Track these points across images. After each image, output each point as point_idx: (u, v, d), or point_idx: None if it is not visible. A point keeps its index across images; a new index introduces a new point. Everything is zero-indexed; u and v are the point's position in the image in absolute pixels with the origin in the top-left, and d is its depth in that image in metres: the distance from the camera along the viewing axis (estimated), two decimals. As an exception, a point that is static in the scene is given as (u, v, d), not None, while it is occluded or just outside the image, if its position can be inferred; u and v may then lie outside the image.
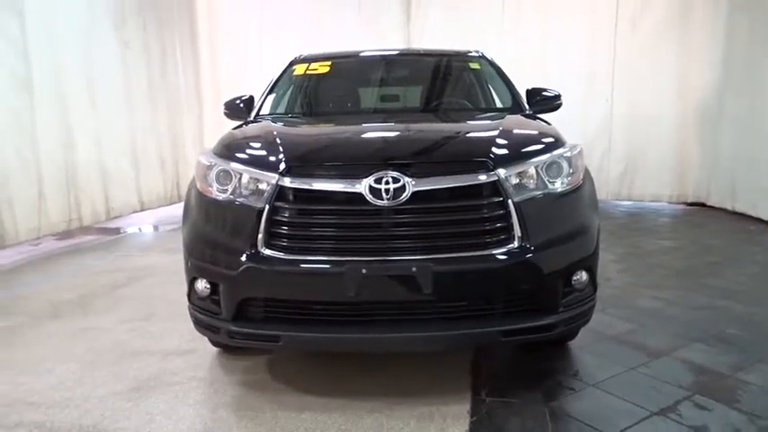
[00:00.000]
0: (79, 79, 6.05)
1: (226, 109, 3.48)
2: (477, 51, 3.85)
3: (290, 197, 2.15)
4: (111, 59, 6.62)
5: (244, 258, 2.13)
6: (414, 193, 2.07)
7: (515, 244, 2.12)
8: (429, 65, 3.82)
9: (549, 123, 2.91)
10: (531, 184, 2.21)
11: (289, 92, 3.56)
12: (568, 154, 2.39)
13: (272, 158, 2.24)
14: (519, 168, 2.20)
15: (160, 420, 2.25)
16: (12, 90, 5.18)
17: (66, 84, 5.83)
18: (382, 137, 2.72)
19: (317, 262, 2.09)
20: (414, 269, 2.04)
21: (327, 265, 2.08)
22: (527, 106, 3.35)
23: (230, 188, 2.24)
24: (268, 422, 2.22)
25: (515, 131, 2.63)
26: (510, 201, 2.11)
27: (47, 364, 2.78)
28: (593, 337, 3.04)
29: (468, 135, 2.73)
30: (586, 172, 2.55)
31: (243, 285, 2.15)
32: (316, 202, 2.15)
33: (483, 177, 2.13)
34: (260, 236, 2.12)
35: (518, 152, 2.30)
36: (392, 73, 3.77)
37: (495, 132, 2.48)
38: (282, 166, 2.18)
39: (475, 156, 2.21)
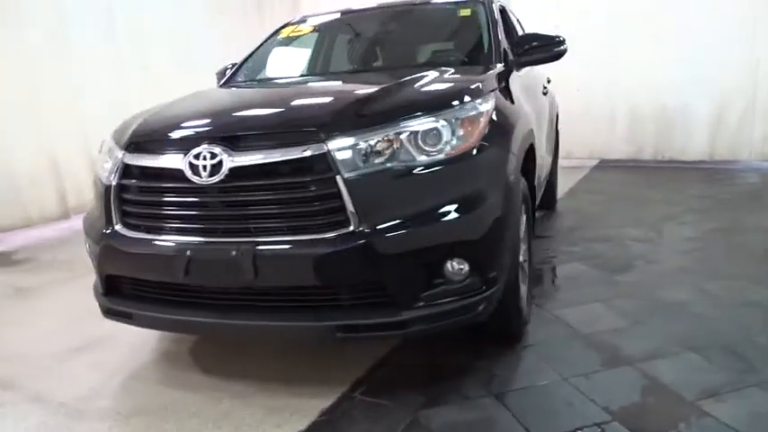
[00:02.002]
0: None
1: (216, 76, 3.50)
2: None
3: (132, 173, 2.08)
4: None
5: (102, 235, 2.14)
6: (233, 170, 1.87)
7: (351, 227, 1.82)
8: (415, 19, 3.41)
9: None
10: (381, 155, 1.84)
11: (263, 57, 3.43)
12: (455, 116, 1.96)
13: (127, 133, 2.19)
14: (360, 138, 1.84)
15: (68, 382, 2.39)
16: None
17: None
18: (234, 106, 2.47)
19: (152, 242, 2.02)
20: (233, 253, 1.87)
21: (161, 246, 2.00)
22: (510, 57, 2.83)
23: (108, 165, 2.24)
24: (140, 393, 2.25)
25: (394, 92, 2.19)
26: (339, 177, 1.80)
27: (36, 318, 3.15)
28: (562, 333, 2.56)
29: (316, 101, 2.33)
30: (503, 135, 2.11)
31: (103, 262, 2.17)
32: (150, 179, 2.05)
33: (308, 150, 1.83)
34: (113, 213, 2.11)
35: (365, 119, 1.92)
36: (370, 32, 3.42)
37: (361, 94, 2.15)
38: (127, 140, 2.12)
39: (303, 125, 1.90)
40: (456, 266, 1.91)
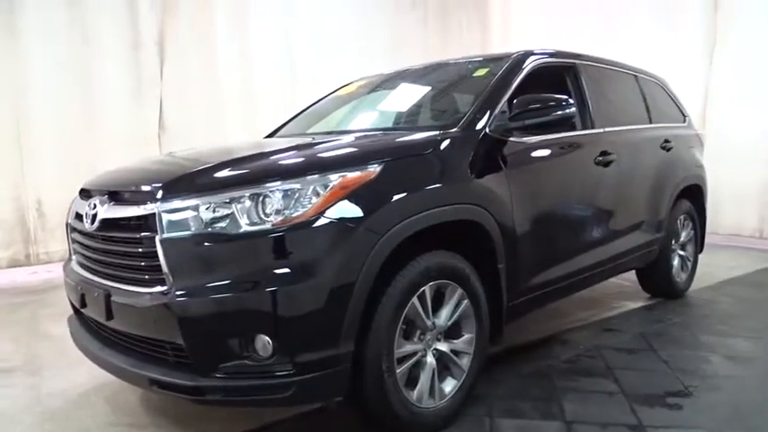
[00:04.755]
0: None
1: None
2: (522, 51, 3.01)
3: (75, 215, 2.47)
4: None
5: (63, 265, 2.58)
6: (103, 221, 2.10)
7: (165, 286, 1.88)
8: (430, 80, 3.24)
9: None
10: (206, 220, 1.87)
11: (313, 110, 3.66)
12: (291, 187, 1.89)
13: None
14: (187, 202, 1.90)
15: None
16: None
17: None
18: (158, 163, 2.55)
19: (72, 272, 2.36)
20: (95, 294, 2.10)
21: (73, 276, 2.33)
22: (493, 122, 2.54)
23: None
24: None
25: (255, 158, 2.23)
26: (158, 237, 1.89)
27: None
28: None
29: (191, 162, 2.32)
30: (372, 211, 1.95)
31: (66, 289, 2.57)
32: (76, 221, 2.39)
33: (142, 209, 1.96)
34: (69, 248, 2.53)
35: (199, 184, 1.96)
36: (374, 93, 3.37)
37: (224, 158, 2.18)
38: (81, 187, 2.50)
39: (146, 185, 2.02)
40: (262, 342, 1.82)
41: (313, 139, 2.80)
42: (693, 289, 4.30)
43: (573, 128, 3.03)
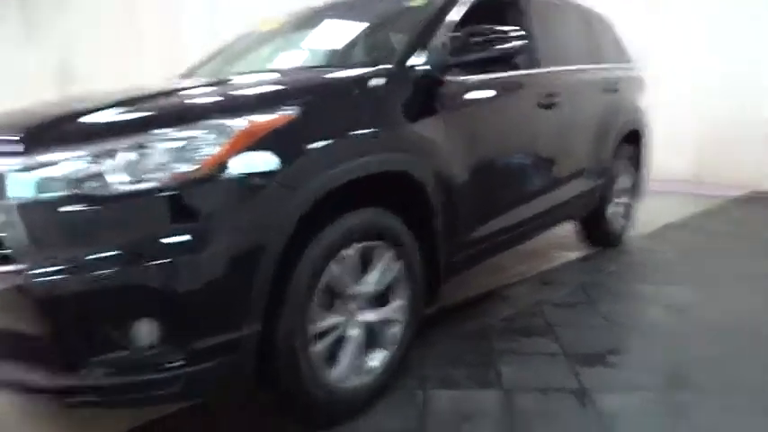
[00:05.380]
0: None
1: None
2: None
3: None
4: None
5: None
6: None
7: (20, 264, 1.49)
8: (370, 10, 2.85)
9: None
10: (67, 179, 1.47)
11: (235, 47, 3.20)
12: (190, 133, 1.53)
13: None
14: (48, 156, 1.49)
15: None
16: None
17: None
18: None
19: None
20: None
21: None
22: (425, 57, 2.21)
23: None
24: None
25: (133, 103, 1.76)
26: (7, 203, 1.49)
27: None
28: None
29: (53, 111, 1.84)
30: (280, 163, 1.60)
31: None
32: None
33: None
34: None
35: (68, 132, 1.56)
36: (323, 24, 2.93)
37: (93, 105, 1.74)
38: None
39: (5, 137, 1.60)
40: (145, 329, 1.49)
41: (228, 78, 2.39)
42: (631, 236, 4.23)
43: (516, 67, 2.75)
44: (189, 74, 3.08)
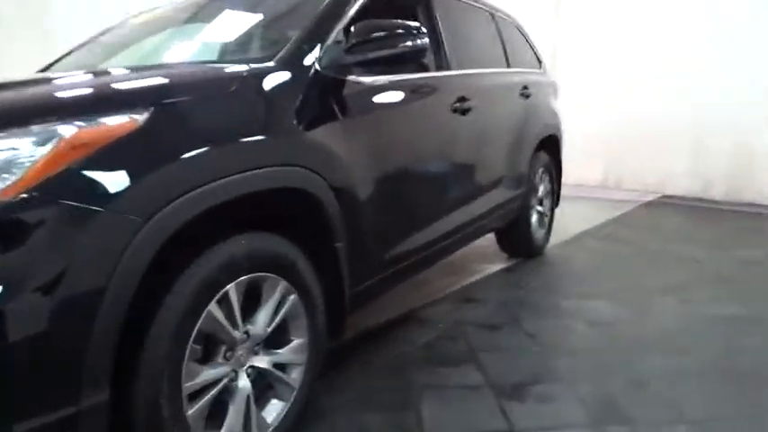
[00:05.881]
0: None
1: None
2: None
3: None
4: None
5: None
6: None
7: None
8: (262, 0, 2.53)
9: None
10: None
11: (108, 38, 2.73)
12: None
13: None
14: None
15: None
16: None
17: None
18: None
19: None
20: None
21: None
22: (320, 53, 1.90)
23: None
24: None
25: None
26: None
27: None
28: None
29: None
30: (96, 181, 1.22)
31: None
32: None
33: None
34: None
35: None
36: (209, 16, 2.55)
37: None
38: None
39: None
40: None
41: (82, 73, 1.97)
42: (549, 245, 4.11)
43: (426, 68, 2.51)
44: (47, 68, 2.61)
